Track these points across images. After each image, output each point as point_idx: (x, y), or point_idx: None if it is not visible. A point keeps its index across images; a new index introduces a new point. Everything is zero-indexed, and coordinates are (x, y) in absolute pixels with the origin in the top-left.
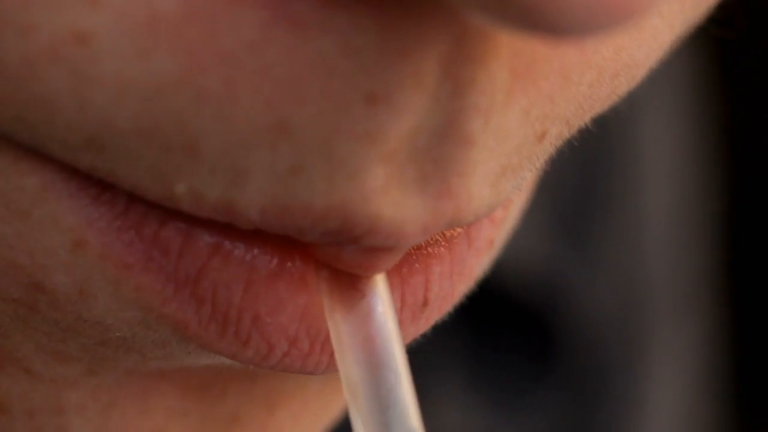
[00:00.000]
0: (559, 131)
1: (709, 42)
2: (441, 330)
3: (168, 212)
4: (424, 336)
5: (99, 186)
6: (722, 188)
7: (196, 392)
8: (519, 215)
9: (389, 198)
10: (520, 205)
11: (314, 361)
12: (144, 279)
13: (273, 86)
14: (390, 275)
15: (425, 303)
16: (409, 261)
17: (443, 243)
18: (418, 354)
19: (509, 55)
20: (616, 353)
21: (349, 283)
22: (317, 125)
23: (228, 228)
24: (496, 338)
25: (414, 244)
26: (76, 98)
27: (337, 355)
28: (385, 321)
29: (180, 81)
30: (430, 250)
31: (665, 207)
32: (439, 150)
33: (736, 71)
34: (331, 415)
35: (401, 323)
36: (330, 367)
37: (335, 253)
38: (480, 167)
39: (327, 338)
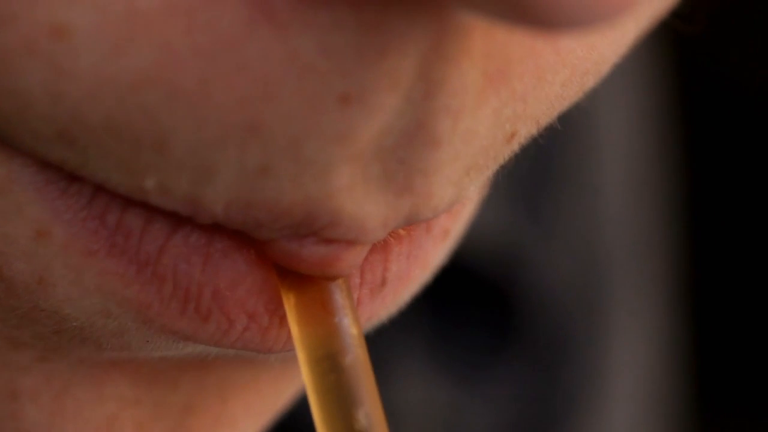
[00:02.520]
0: (529, 131)
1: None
2: (401, 306)
3: (130, 201)
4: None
5: (67, 179)
6: (679, 158)
7: (149, 381)
8: (476, 208)
9: (352, 194)
10: (478, 198)
11: (273, 336)
12: (107, 264)
13: (247, 85)
14: None
15: (383, 282)
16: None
17: (404, 228)
18: (379, 330)
19: (482, 56)
20: (576, 324)
21: (315, 299)
22: (288, 125)
23: (187, 219)
24: (456, 313)
25: (375, 239)
26: (50, 92)
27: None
28: (348, 334)
29: (154, 77)
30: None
31: (621, 177)
32: (406, 150)
33: (689, 42)
34: (282, 403)
35: (359, 301)
36: (287, 345)
37: (296, 251)
38: (445, 168)
39: (285, 315)
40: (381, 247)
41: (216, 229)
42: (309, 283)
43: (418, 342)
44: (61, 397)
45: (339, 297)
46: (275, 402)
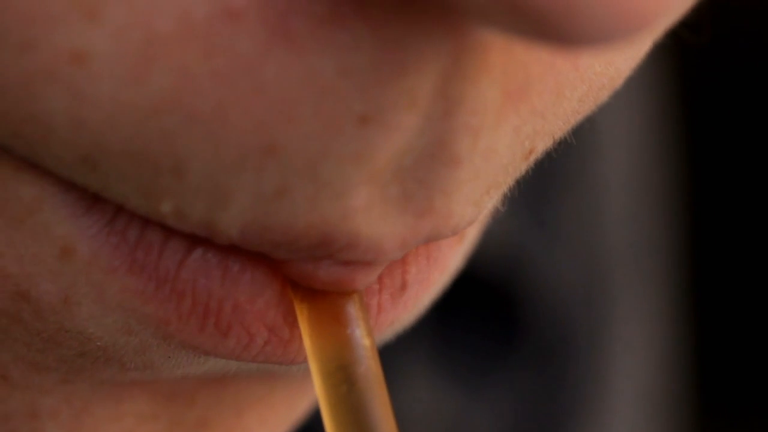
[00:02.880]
0: (545, 145)
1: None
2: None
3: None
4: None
5: (91, 198)
6: (681, 162)
7: (167, 397)
8: (488, 214)
9: (370, 216)
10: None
11: (295, 348)
12: (127, 281)
13: (265, 107)
14: None
15: (404, 286)
16: None
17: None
18: None
19: (502, 73)
20: (579, 328)
21: (327, 311)
22: (306, 147)
23: (204, 240)
24: (460, 317)
25: (392, 259)
26: (71, 118)
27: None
28: (362, 347)
29: (172, 103)
30: None
31: (624, 179)
32: (426, 170)
33: (691, 45)
34: (296, 417)
35: (380, 308)
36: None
37: (312, 271)
38: (465, 187)
39: None
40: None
41: (232, 250)
42: (322, 295)
43: (422, 347)
44: (81, 416)
45: (352, 308)
46: (289, 415)
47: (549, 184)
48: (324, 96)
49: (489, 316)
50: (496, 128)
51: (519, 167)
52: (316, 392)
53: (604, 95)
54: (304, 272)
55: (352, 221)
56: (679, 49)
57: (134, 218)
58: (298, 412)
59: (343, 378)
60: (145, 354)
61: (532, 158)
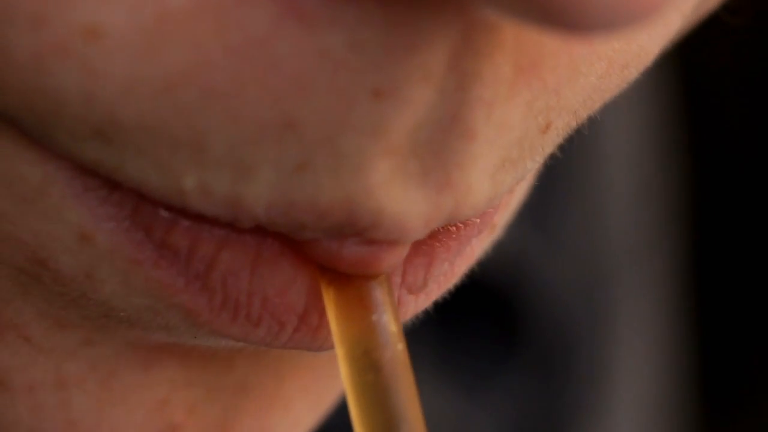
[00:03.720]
0: (566, 122)
1: None
2: None
3: (173, 216)
4: None
5: (106, 187)
6: (684, 167)
7: (201, 362)
8: (521, 200)
9: (392, 192)
10: (522, 192)
11: (323, 335)
12: (154, 273)
13: (280, 82)
14: None
15: (425, 284)
16: (415, 244)
17: (452, 231)
18: None
19: (514, 48)
20: (581, 333)
21: (354, 295)
22: (323, 120)
23: (229, 225)
24: (461, 321)
25: (416, 238)
26: (83, 93)
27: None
28: (387, 332)
29: (188, 77)
30: (436, 237)
31: (627, 185)
32: (441, 143)
33: (694, 48)
34: (338, 391)
35: (399, 301)
36: None
37: (336, 251)
38: (480, 160)
39: None
40: (426, 251)
41: (259, 238)
42: (348, 280)
43: (424, 351)
44: (108, 383)
45: (378, 294)
46: (332, 387)
47: (551, 189)
48: (337, 70)
49: (491, 320)
50: (509, 102)
51: (536, 142)
52: (342, 377)
53: (630, 73)
54: (330, 252)
55: (375, 198)
56: (683, 55)
57: (157, 218)
58: (340, 386)
59: (369, 364)
60: (172, 331)
61: (553, 134)
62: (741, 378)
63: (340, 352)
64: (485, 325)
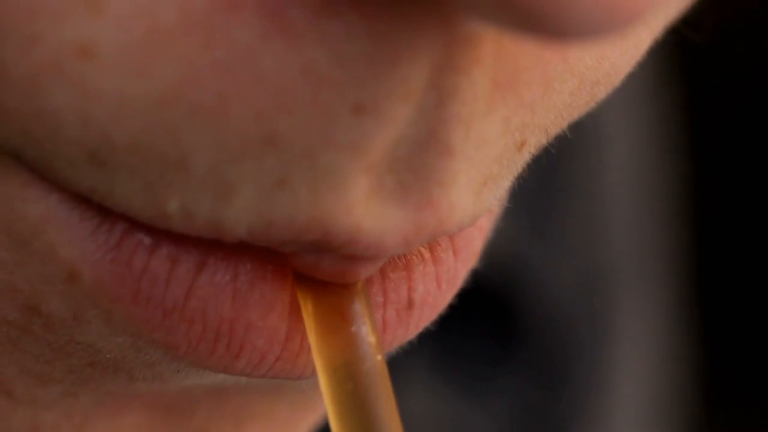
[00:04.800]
0: (538, 140)
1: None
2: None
3: (156, 238)
4: None
5: (98, 216)
6: (685, 168)
7: (166, 409)
8: (494, 220)
9: (369, 209)
10: (496, 211)
11: (303, 362)
12: (133, 309)
13: (264, 97)
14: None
15: (410, 304)
16: (391, 260)
17: (424, 246)
18: None
19: (492, 63)
20: (579, 336)
21: (332, 306)
22: (304, 136)
23: (212, 243)
24: (459, 323)
25: (395, 254)
26: (78, 113)
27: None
28: (367, 342)
29: (176, 95)
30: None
31: (627, 188)
32: (420, 160)
33: (695, 52)
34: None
35: (385, 323)
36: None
37: (315, 262)
38: (461, 177)
39: None
40: (403, 265)
41: (239, 260)
42: (326, 290)
43: (422, 353)
44: (81, 429)
45: (357, 305)
46: (291, 430)
47: (550, 190)
48: (320, 85)
49: (488, 321)
50: (486, 118)
51: (513, 160)
52: (321, 389)
53: (600, 92)
54: (309, 263)
55: (352, 215)
56: (682, 54)
57: (141, 245)
58: (302, 428)
59: (348, 375)
60: (155, 368)
61: (526, 151)
62: (742, 385)
63: (319, 363)
64: (484, 327)
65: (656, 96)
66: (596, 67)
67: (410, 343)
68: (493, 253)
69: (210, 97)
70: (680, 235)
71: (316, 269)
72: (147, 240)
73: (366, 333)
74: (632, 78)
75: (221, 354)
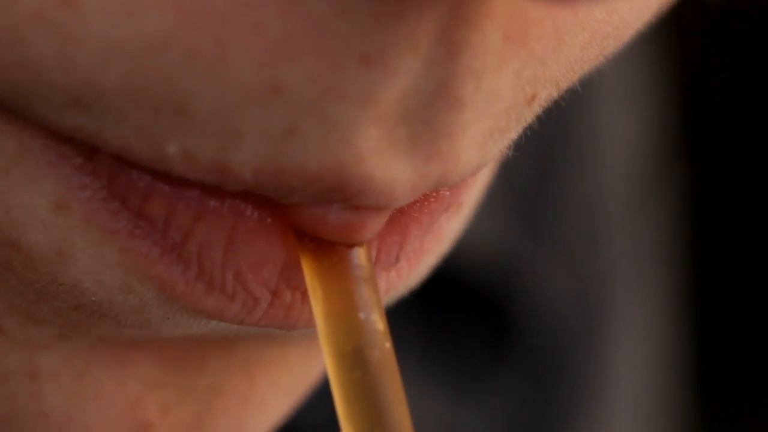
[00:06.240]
0: (549, 93)
1: (666, 30)
2: (396, 315)
3: (152, 183)
4: None
5: (82, 156)
6: (681, 167)
7: (173, 363)
8: (485, 181)
9: (381, 159)
10: (488, 171)
11: (296, 313)
12: (130, 243)
13: (265, 45)
14: None
15: (397, 260)
16: (390, 219)
17: (424, 204)
18: None
19: (503, 18)
20: (574, 336)
21: (338, 287)
22: (311, 86)
23: (213, 189)
24: (452, 323)
25: (402, 204)
26: (61, 59)
27: (318, 325)
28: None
29: (169, 40)
30: (409, 212)
31: (622, 189)
32: (430, 112)
33: (691, 52)
34: (311, 381)
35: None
36: (310, 322)
37: (322, 215)
38: (469, 129)
39: (307, 291)
40: (399, 230)
41: (237, 212)
42: (333, 271)
43: (413, 353)
44: (82, 378)
45: (365, 291)
46: (304, 379)
47: (546, 190)
48: (324, 36)
49: (481, 322)
50: (498, 71)
51: (522, 112)
52: (329, 375)
53: (609, 45)
54: (314, 216)
55: (365, 164)
56: (680, 51)
57: (133, 187)
58: (312, 376)
59: (356, 363)
60: (143, 313)
61: (536, 104)
62: (737, 385)
63: (326, 349)
64: (476, 327)
65: (652, 97)
66: (606, 21)
67: (401, 343)
68: (485, 254)
69: (207, 42)
70: (677, 235)
71: (321, 223)
72: (141, 182)
73: (374, 320)
74: (627, 78)
75: (216, 296)
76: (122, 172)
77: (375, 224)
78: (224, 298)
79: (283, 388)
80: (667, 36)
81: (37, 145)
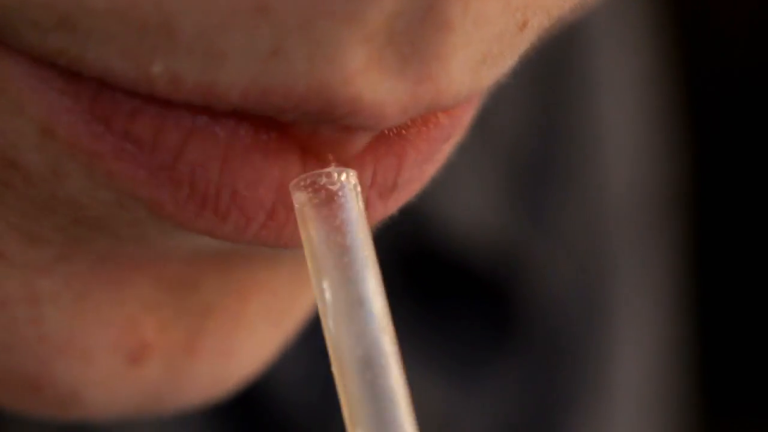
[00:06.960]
0: (540, 21)
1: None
2: (396, 301)
3: (137, 104)
4: None
5: (64, 78)
6: (683, 160)
7: (170, 283)
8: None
9: (369, 80)
10: (482, 99)
11: (289, 232)
12: (116, 166)
13: None
14: (365, 152)
15: (394, 187)
16: (387, 142)
17: (422, 131)
18: None
19: None
20: (576, 322)
21: (319, 173)
22: (296, 6)
23: (202, 110)
24: (454, 310)
25: (393, 124)
26: None
27: (306, 251)
28: (354, 215)
29: None
30: (408, 136)
31: (626, 174)
32: (418, 34)
33: (695, 45)
34: (301, 310)
35: (369, 201)
36: (301, 244)
37: (312, 131)
38: (459, 52)
39: None
40: (397, 151)
41: (231, 130)
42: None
43: (414, 340)
44: (81, 300)
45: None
46: (292, 304)
47: (548, 175)
48: None
49: (483, 309)
50: None
51: (514, 40)
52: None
53: None
54: (306, 132)
55: (352, 85)
56: (685, 43)
57: (118, 108)
58: (302, 304)
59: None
60: (138, 227)
61: (529, 32)
62: (741, 372)
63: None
64: (478, 314)
65: (656, 84)
66: None
67: (403, 331)
68: (488, 241)
69: None
70: (680, 225)
71: (313, 138)
72: (126, 104)
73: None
74: (631, 66)
75: (208, 216)
76: (105, 94)
77: (364, 140)
78: (216, 218)
79: (272, 313)
80: (670, 27)
81: (19, 72)
